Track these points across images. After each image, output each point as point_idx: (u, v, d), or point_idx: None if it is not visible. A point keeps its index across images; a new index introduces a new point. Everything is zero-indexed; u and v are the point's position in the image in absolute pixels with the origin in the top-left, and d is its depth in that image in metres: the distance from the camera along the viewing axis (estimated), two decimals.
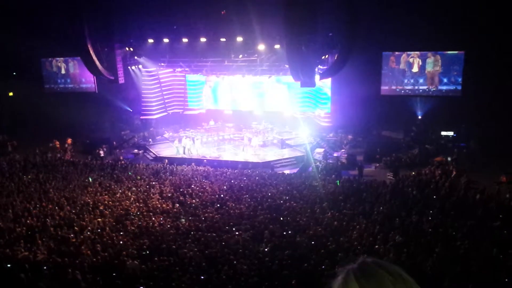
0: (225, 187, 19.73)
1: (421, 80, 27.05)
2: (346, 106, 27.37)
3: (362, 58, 25.10)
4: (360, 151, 26.91)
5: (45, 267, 11.44)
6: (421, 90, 27.24)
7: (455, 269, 10.62)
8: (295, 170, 24.40)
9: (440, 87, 26.63)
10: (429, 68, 26.61)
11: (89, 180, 20.70)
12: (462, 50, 25.79)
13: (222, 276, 10.73)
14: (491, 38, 22.98)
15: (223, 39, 26.15)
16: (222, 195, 18.32)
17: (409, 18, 23.78)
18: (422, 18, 23.79)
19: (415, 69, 26.92)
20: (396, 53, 27.28)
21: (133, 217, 15.67)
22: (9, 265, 11.51)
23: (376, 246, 12.26)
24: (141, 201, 17.55)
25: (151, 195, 18.37)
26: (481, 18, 22.37)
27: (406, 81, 27.37)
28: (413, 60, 26.92)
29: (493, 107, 23.54)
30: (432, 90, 26.89)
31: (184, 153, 27.34)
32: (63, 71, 34.17)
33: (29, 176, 21.72)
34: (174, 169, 23.37)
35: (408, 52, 26.97)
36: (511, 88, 22.63)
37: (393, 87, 27.72)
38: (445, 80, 26.42)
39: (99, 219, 15.21)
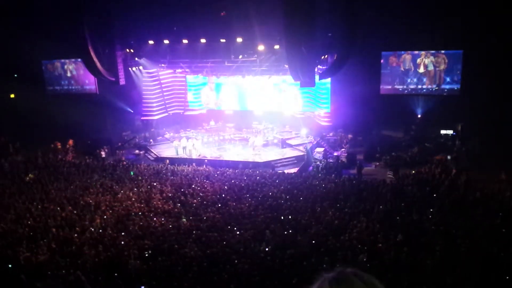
0: (226, 187, 19.76)
1: (424, 79, 27.10)
2: (346, 105, 27.42)
3: (362, 58, 25.20)
4: (360, 150, 26.98)
5: (46, 268, 11.52)
6: (424, 90, 27.28)
7: (455, 268, 10.68)
8: (295, 170, 24.46)
9: (443, 86, 26.68)
10: (431, 67, 26.67)
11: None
12: (461, 49, 25.86)
13: (224, 276, 10.80)
14: (489, 36, 23.02)
15: (223, 40, 26.24)
16: (223, 195, 18.36)
17: (408, 18, 23.87)
18: (421, 17, 23.88)
19: (420, 69, 26.99)
20: (398, 52, 27.34)
21: (134, 217, 15.73)
22: (10, 266, 11.60)
23: (377, 245, 12.32)
24: (142, 201, 17.61)
25: (153, 195, 18.43)
26: (479, 17, 22.42)
27: (409, 80, 27.42)
28: (423, 59, 26.90)
29: (493, 105, 23.57)
30: (434, 89, 26.94)
31: (184, 153, 27.41)
32: (66, 73, 34.33)
33: (31, 175, 21.81)
34: (175, 170, 23.44)
35: (412, 52, 27.02)
36: (510, 86, 22.68)
37: (396, 87, 27.76)
38: (448, 79, 26.48)
39: (101, 220, 15.28)
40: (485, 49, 23.62)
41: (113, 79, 27.26)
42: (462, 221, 13.78)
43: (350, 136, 29.08)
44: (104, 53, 26.33)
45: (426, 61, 26.80)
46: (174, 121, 34.57)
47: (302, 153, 26.55)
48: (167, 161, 25.52)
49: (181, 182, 20.55)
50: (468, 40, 24.39)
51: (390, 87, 28.01)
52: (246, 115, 33.06)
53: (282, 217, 15.24)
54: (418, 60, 26.98)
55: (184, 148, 27.57)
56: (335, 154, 26.41)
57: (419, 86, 27.36)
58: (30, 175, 21.97)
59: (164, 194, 18.59)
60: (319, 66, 25.24)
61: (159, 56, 29.25)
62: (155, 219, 15.55)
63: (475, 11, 22.54)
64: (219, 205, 17.12)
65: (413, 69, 27.21)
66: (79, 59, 29.75)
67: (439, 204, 15.74)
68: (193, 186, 19.86)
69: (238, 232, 13.94)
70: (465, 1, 23.06)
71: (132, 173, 22.56)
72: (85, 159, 26.40)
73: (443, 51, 26.36)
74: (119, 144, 30.78)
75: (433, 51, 26.57)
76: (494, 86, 23.40)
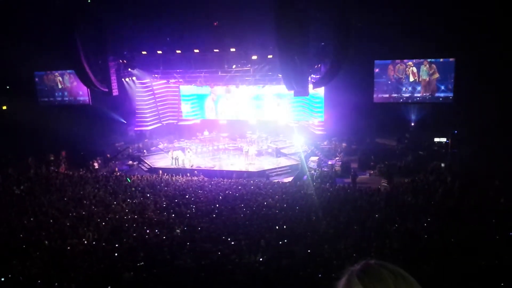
0: (220, 197, 19.68)
1: (418, 88, 27.20)
2: (339, 114, 27.52)
3: (355, 67, 25.32)
4: (354, 158, 27.03)
5: (39, 281, 11.35)
6: (418, 98, 27.34)
7: (451, 275, 10.63)
8: (290, 179, 24.41)
9: (437, 94, 26.76)
10: (425, 76, 26.79)
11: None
12: (453, 57, 26.03)
13: (219, 287, 10.68)
14: (481, 44, 23.21)
15: (216, 50, 26.29)
16: (217, 205, 18.27)
17: (401, 27, 24.02)
18: (413, 26, 24.03)
19: (412, 77, 27.09)
20: (391, 61, 27.47)
21: (128, 228, 15.57)
22: (2, 279, 11.42)
23: (372, 254, 12.25)
24: (136, 212, 17.47)
25: (146, 206, 18.29)
26: (470, 24, 22.62)
27: (404, 89, 27.50)
28: (411, 68, 27.05)
29: (486, 112, 23.71)
30: (428, 97, 27.03)
31: (178, 163, 27.30)
32: (59, 85, 34.19)
33: (22, 188, 21.60)
34: (169, 180, 23.32)
35: (405, 60, 27.15)
36: (503, 92, 22.83)
37: (390, 95, 27.82)
38: (442, 87, 26.60)
39: (94, 232, 15.11)
40: (477, 57, 23.80)
41: (106, 90, 27.17)
42: (457, 229, 13.76)
43: (344, 144, 29.15)
44: (97, 64, 26.28)
45: (420, 69, 26.93)
46: (168, 131, 34.54)
47: (296, 162, 26.54)
48: (161, 171, 25.40)
49: (175, 192, 20.44)
50: (461, 48, 24.59)
51: (383, 95, 28.10)
52: (240, 124, 33.09)
53: (277, 227, 15.15)
54: (410, 69, 27.11)
55: (177, 158, 27.47)
56: (330, 162, 26.40)
57: (414, 95, 27.44)
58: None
59: (158, 205, 18.45)
60: (312, 75, 25.32)
61: (152, 67, 29.26)
62: (148, 230, 15.40)
63: (467, 19, 22.73)
64: (214, 215, 17.00)
65: (406, 78, 27.31)
66: (72, 70, 29.65)
67: (434, 211, 15.73)
68: (187, 196, 19.75)
69: (232, 242, 13.82)
70: (457, 9, 23.23)
71: (128, 180, 22.47)
72: (78, 171, 26.21)
73: (434, 60, 26.53)
74: (112, 155, 30.62)
75: (425, 60, 26.72)
76: (487, 93, 23.54)
